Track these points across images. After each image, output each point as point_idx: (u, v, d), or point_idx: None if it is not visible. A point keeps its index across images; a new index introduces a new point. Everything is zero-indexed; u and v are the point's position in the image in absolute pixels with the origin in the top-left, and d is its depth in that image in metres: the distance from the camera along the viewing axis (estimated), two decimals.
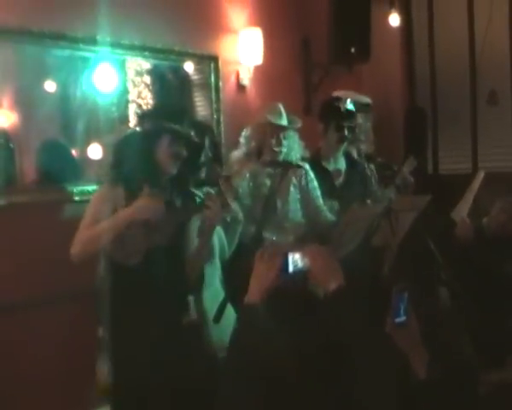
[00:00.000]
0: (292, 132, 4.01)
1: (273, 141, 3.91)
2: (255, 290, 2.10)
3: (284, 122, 3.94)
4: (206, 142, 3.56)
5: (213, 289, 3.42)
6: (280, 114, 3.95)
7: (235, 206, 3.46)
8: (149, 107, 4.55)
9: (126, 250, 2.98)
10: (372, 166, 4.61)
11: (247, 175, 3.90)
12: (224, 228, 3.49)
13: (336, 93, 4.87)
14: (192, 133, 3.16)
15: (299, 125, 4.03)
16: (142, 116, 3.30)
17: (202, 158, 3.52)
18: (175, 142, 3.07)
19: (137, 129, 3.25)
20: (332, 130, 4.32)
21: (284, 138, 3.94)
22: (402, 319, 2.02)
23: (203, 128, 3.72)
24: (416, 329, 2.03)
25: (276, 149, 3.91)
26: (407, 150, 6.01)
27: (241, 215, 3.54)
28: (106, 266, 3.04)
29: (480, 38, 6.18)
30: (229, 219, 3.44)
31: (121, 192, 3.01)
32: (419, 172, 4.97)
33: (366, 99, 4.88)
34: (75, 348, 3.78)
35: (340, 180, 4.38)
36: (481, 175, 4.29)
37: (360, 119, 4.76)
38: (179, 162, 3.09)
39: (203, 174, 3.55)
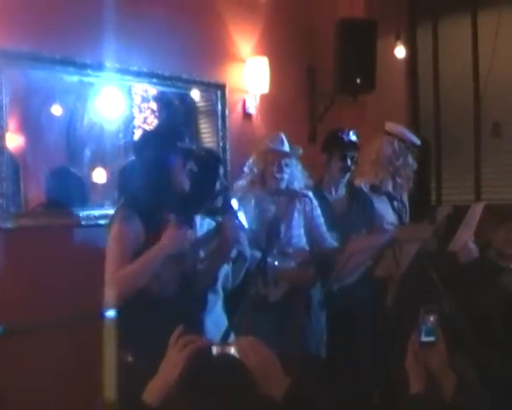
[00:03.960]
0: (295, 161, 4.07)
1: (274, 168, 3.97)
2: (155, 389, 1.77)
3: (285, 149, 4.00)
4: (221, 171, 3.61)
5: (214, 315, 3.44)
6: (281, 142, 4.02)
7: (244, 243, 3.50)
8: (148, 131, 4.36)
9: (161, 282, 2.96)
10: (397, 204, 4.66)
11: (252, 201, 3.94)
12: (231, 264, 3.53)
13: (388, 126, 4.89)
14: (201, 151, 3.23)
15: (300, 152, 4.08)
16: (146, 141, 3.29)
17: (218, 186, 3.57)
18: (189, 160, 3.13)
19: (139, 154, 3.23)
20: (335, 159, 4.36)
21: (286, 166, 3.99)
22: (430, 339, 2.06)
23: (216, 157, 3.80)
24: (444, 351, 2.05)
25: (278, 175, 3.96)
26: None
27: (248, 252, 3.57)
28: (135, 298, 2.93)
29: (484, 71, 6.21)
30: (234, 256, 3.45)
31: (138, 222, 2.98)
32: (422, 204, 5.00)
33: (417, 140, 4.92)
34: (83, 371, 3.76)
35: (340, 210, 4.40)
36: (481, 206, 4.29)
37: (410, 160, 4.83)
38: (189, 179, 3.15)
39: (219, 203, 3.59)
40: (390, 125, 4.90)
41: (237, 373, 1.77)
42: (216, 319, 3.42)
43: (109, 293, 2.87)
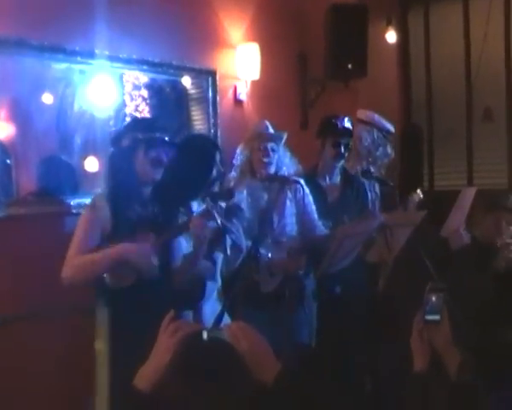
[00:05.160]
0: (282, 148, 4.06)
1: (260, 153, 3.96)
2: (146, 374, 1.78)
3: (269, 132, 4.00)
4: (218, 157, 3.62)
5: (212, 302, 3.45)
6: (266, 127, 4.03)
7: (240, 235, 3.51)
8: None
9: (118, 274, 3.03)
10: (376, 186, 4.66)
11: (244, 191, 3.93)
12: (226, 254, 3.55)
13: (362, 113, 4.90)
14: (167, 138, 3.20)
15: (284, 135, 4.07)
16: (117, 136, 3.33)
17: (214, 173, 3.57)
18: (150, 148, 3.13)
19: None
20: (328, 146, 4.36)
21: (272, 151, 3.98)
22: (435, 317, 2.07)
23: (213, 144, 3.82)
24: (448, 329, 2.07)
25: (265, 159, 3.96)
26: (403, 166, 6.04)
27: (243, 243, 3.58)
28: (99, 288, 3.10)
29: (476, 56, 6.22)
30: (229, 252, 3.48)
31: (108, 213, 3.07)
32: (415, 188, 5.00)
33: (392, 127, 4.95)
34: (74, 361, 3.76)
35: (334, 196, 4.40)
36: (473, 191, 4.31)
37: (389, 149, 4.86)
38: (161, 168, 3.15)
39: (216, 188, 3.60)
40: (364, 113, 4.90)
41: (228, 358, 1.78)
42: (213, 305, 3.44)
43: (64, 275, 3.02)
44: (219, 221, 3.14)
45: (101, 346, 3.05)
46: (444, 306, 2.08)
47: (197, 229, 3.11)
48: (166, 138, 3.20)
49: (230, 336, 1.79)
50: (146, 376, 1.77)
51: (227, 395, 1.73)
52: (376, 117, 4.87)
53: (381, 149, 4.78)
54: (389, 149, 4.85)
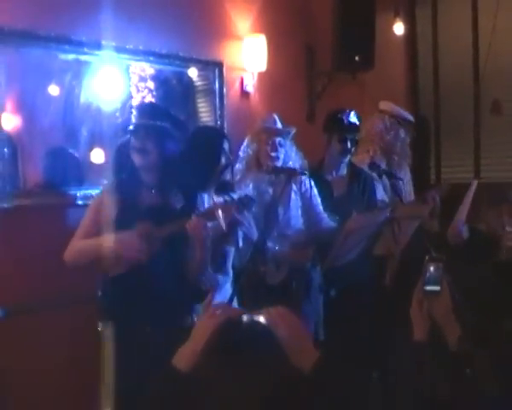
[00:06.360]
0: (289, 142, 4.05)
1: (268, 147, 3.95)
2: (185, 354, 1.77)
3: (278, 127, 3.98)
4: (226, 145, 3.61)
5: (223, 295, 3.44)
6: (274, 121, 4.01)
7: (251, 227, 3.51)
8: None
9: (111, 262, 3.07)
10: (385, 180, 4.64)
11: (250, 184, 3.92)
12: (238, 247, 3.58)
13: (382, 104, 4.92)
14: (157, 123, 3.14)
15: (293, 131, 4.06)
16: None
17: (223, 161, 3.56)
18: (133, 136, 3.14)
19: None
20: (335, 141, 4.33)
21: (280, 145, 3.97)
22: (435, 288, 2.06)
23: (219, 133, 3.84)
24: (448, 300, 2.06)
25: (273, 154, 3.95)
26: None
27: (254, 234, 3.59)
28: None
29: (484, 48, 6.19)
30: (241, 244, 3.52)
31: (113, 202, 3.12)
32: (421, 182, 5.00)
33: (410, 116, 4.98)
34: (77, 352, 3.77)
35: (340, 190, 4.38)
36: (474, 184, 4.30)
37: (402, 133, 4.85)
38: (144, 156, 3.11)
39: (228, 177, 3.61)
40: (383, 104, 4.94)
41: (266, 342, 1.77)
42: (225, 296, 3.41)
43: (65, 257, 3.18)
44: (223, 224, 3.07)
45: (104, 328, 3.09)
46: (443, 277, 2.08)
47: (195, 230, 3.04)
48: (150, 125, 3.13)
49: (269, 321, 1.78)
50: (185, 356, 1.76)
51: (264, 379, 1.73)
52: (392, 105, 4.93)
53: (392, 133, 4.78)
54: (402, 134, 4.85)
